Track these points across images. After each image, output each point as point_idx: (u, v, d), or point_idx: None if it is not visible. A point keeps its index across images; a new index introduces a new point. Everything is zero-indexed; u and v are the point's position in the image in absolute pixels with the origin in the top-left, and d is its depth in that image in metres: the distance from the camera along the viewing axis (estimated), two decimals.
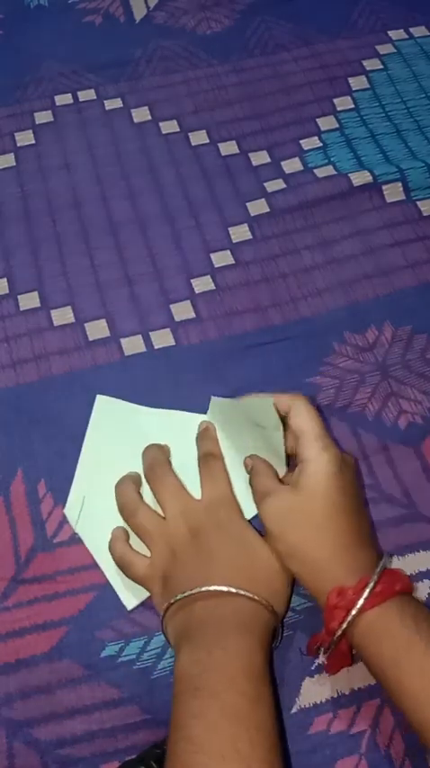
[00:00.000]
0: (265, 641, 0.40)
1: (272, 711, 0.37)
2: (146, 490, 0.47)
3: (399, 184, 0.60)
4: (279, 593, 0.42)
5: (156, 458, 0.47)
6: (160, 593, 0.42)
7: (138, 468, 0.48)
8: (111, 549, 0.45)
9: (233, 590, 0.40)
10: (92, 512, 0.47)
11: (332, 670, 0.41)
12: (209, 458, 0.47)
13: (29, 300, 0.56)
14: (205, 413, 0.50)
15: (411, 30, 0.70)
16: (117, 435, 0.50)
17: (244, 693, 0.36)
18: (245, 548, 0.43)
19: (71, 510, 0.48)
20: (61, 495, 0.48)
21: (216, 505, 0.44)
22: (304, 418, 0.43)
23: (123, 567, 0.44)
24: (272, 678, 0.39)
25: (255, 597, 0.40)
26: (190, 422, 0.50)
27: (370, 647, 0.38)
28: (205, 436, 0.49)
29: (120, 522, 0.46)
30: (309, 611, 0.45)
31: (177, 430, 0.50)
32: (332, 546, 0.40)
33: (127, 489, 0.46)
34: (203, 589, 0.40)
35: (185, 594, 0.40)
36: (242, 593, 0.40)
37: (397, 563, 0.46)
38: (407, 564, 0.46)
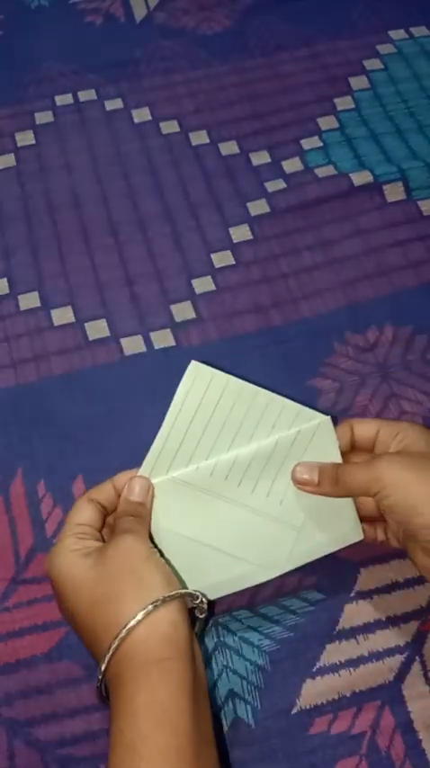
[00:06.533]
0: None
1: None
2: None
3: (400, 184, 0.60)
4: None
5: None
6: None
7: (220, 443, 0.43)
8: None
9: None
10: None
11: None
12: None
13: (29, 300, 0.56)
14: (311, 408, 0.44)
15: (411, 30, 0.70)
16: (206, 407, 0.44)
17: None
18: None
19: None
20: (61, 495, 0.48)
21: None
22: (369, 419, 0.45)
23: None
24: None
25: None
26: (291, 414, 0.43)
27: None
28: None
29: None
30: (310, 614, 0.44)
31: (269, 417, 0.43)
32: None
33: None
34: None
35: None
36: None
37: (397, 565, 0.46)
38: (407, 566, 0.46)
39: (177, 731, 0.34)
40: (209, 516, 0.43)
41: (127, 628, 0.35)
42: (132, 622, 0.35)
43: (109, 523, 0.43)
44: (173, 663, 0.36)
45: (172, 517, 0.43)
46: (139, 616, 0.36)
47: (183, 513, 0.43)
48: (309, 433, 0.43)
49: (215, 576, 0.42)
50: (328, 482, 0.42)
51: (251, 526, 0.43)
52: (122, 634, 0.35)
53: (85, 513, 0.41)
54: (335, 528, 0.44)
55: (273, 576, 0.43)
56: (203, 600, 0.40)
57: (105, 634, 0.36)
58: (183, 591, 0.39)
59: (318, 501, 0.43)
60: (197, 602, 0.40)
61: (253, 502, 0.43)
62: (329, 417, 0.43)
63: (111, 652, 0.35)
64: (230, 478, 0.43)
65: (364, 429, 0.44)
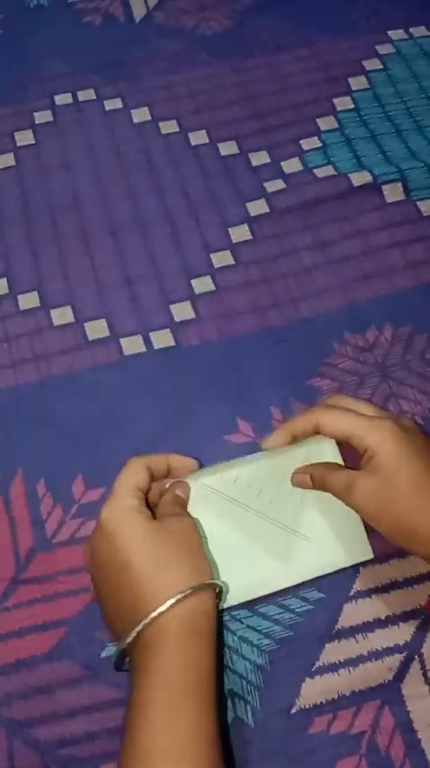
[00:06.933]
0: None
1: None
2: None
3: (399, 184, 0.60)
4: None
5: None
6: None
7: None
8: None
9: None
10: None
11: None
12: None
13: (29, 300, 0.56)
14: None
15: (411, 30, 0.70)
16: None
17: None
18: None
19: None
20: (61, 495, 0.48)
21: None
22: (337, 416, 0.44)
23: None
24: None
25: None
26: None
27: None
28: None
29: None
30: (309, 613, 0.45)
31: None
32: None
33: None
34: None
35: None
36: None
37: (396, 564, 0.46)
38: (406, 565, 0.46)
39: (210, 695, 0.38)
40: (229, 521, 0.45)
41: (192, 586, 0.38)
42: (194, 586, 0.38)
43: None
44: (209, 639, 0.39)
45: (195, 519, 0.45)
46: (195, 586, 0.38)
47: (205, 516, 0.45)
48: (317, 453, 0.47)
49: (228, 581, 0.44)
50: (318, 482, 0.45)
51: (266, 534, 0.45)
52: (178, 597, 0.38)
53: (143, 478, 0.44)
54: (346, 545, 0.46)
55: (282, 587, 0.45)
56: (219, 604, 0.42)
57: (152, 597, 0.38)
58: (221, 583, 0.41)
59: (329, 518, 0.46)
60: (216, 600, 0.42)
61: (270, 511, 0.45)
62: (334, 441, 0.47)
63: (166, 607, 0.38)
64: (251, 488, 0.46)
65: (334, 430, 0.44)
